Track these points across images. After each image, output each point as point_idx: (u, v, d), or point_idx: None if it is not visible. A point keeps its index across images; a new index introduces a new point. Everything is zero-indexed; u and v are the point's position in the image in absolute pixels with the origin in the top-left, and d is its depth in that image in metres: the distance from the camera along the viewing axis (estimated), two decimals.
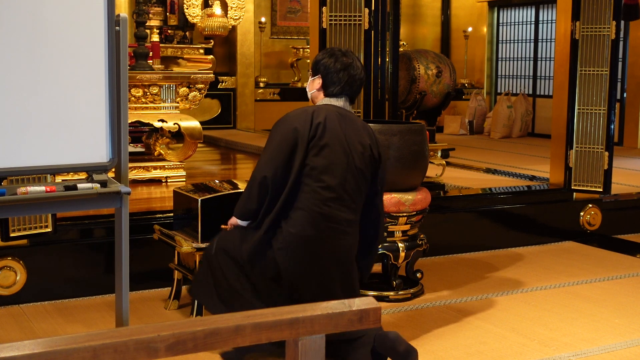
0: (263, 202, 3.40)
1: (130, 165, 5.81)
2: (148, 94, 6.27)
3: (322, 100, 3.63)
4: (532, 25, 12.42)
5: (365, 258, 3.69)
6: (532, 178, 7.23)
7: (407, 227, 4.57)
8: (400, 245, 4.54)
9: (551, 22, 11.84)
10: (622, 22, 9.12)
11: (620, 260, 5.68)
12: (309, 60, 6.23)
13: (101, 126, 3.03)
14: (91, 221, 4.82)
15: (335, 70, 3.59)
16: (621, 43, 10.28)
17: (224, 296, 3.49)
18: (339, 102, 3.61)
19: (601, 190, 6.40)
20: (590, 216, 6.37)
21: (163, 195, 6.00)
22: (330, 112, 3.52)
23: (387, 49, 5.82)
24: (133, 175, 6.24)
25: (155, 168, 6.48)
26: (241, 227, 3.53)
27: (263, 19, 11.48)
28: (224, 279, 3.48)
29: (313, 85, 3.67)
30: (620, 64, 10.13)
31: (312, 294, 3.38)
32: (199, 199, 4.17)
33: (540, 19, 12.28)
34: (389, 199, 4.44)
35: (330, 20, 5.31)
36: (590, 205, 6.38)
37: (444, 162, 7.01)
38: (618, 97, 10.39)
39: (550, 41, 11.87)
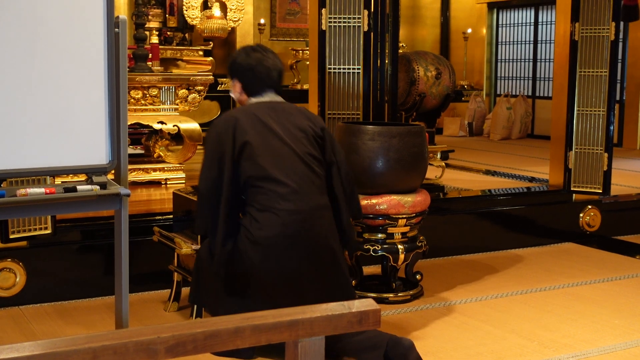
0: (211, 215, 3.43)
1: (130, 167, 5.79)
2: (147, 95, 6.27)
3: (248, 101, 3.65)
4: (532, 27, 12.43)
5: (343, 229, 3.68)
6: (532, 179, 7.23)
7: (406, 229, 4.57)
8: (400, 247, 4.54)
9: (550, 24, 11.85)
10: (622, 23, 9.12)
11: (620, 261, 5.68)
12: (308, 62, 6.23)
13: (101, 128, 3.03)
14: (91, 223, 4.82)
15: (249, 67, 3.60)
16: (620, 44, 10.29)
17: (220, 293, 3.50)
18: (265, 98, 3.62)
19: (601, 191, 6.41)
20: (590, 217, 6.37)
21: (163, 197, 6.00)
22: (258, 108, 3.53)
23: (387, 51, 5.82)
24: (132, 177, 6.24)
25: (154, 170, 6.48)
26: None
27: (262, 21, 11.48)
28: (216, 278, 3.49)
29: (235, 89, 3.69)
30: (619, 65, 10.14)
31: (300, 289, 3.42)
32: None
33: (540, 20, 12.29)
34: (389, 200, 4.44)
35: (330, 22, 5.32)
36: (589, 207, 6.38)
37: (444, 163, 7.02)
38: (617, 98, 10.40)
39: (550, 42, 11.88)
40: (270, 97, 3.63)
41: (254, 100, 3.63)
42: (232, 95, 3.73)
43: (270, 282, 3.40)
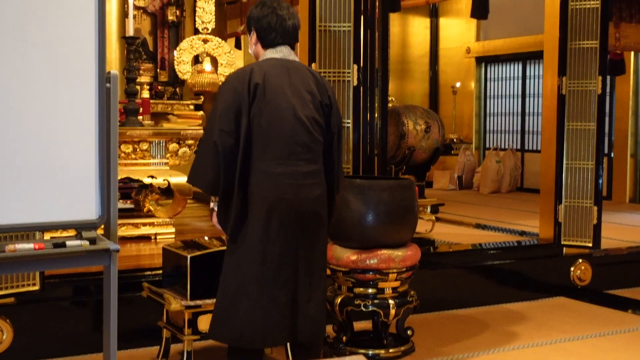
0: (219, 169, 3.40)
1: (120, 221, 5.78)
2: (138, 150, 6.27)
3: (263, 55, 3.64)
4: (520, 81, 12.57)
5: (333, 198, 3.69)
6: (522, 233, 7.23)
7: (397, 283, 4.55)
8: (391, 302, 4.51)
9: (538, 77, 11.98)
10: (608, 77, 9.24)
11: (612, 315, 5.66)
12: None
13: (91, 183, 3.02)
14: (79, 278, 4.77)
15: (263, 15, 3.61)
16: (608, 98, 10.40)
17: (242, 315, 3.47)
18: (279, 53, 3.61)
19: (591, 245, 6.41)
20: (581, 271, 6.36)
21: (152, 252, 5.96)
22: (271, 67, 3.53)
23: (376, 105, 5.86)
24: (122, 232, 6.21)
25: (144, 225, 6.45)
26: (227, 260, 3.53)
27: None
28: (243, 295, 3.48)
29: (251, 42, 3.70)
30: (607, 118, 10.23)
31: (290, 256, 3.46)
32: (188, 256, 4.14)
33: (527, 74, 12.43)
34: (379, 255, 4.42)
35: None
36: (580, 260, 6.38)
37: (434, 217, 7.02)
38: (606, 151, 10.49)
39: (538, 96, 12.00)
40: (284, 53, 3.62)
41: (268, 54, 3.62)
42: (250, 50, 3.74)
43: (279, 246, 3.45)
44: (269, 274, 3.44)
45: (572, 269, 6.34)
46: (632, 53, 10.55)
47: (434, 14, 13.64)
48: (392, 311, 4.51)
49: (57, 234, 5.22)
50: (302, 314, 3.49)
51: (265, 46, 3.64)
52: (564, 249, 6.49)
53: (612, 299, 6.23)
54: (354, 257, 4.40)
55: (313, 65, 5.34)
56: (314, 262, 3.55)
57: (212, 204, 3.56)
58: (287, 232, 3.46)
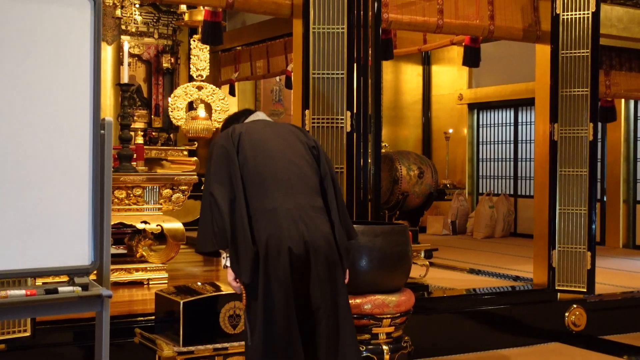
0: (222, 221, 3.39)
1: (112, 267, 5.76)
2: (131, 195, 6.27)
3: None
4: (512, 127, 12.65)
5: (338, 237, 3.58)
6: (516, 278, 7.22)
7: (391, 329, 4.52)
8: (385, 347, 4.48)
9: (530, 124, 12.06)
10: (600, 124, 9.31)
11: None
12: None
13: (84, 229, 3.02)
14: (71, 324, 4.74)
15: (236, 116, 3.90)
16: (599, 144, 10.48)
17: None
18: (258, 117, 3.80)
19: (585, 290, 6.40)
20: (575, 316, 6.34)
21: (145, 297, 5.93)
22: (253, 122, 3.71)
23: (369, 151, 5.89)
24: (115, 277, 6.19)
25: (137, 270, 6.42)
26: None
27: None
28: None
29: None
30: (599, 164, 10.29)
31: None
32: (181, 302, 4.12)
33: (520, 120, 12.52)
34: (373, 300, 4.40)
35: (313, 122, 5.39)
36: (575, 306, 6.36)
37: (428, 262, 7.01)
38: (598, 197, 10.53)
39: (530, 142, 12.06)
40: (261, 116, 3.80)
41: (249, 120, 3.78)
42: None
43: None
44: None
45: (566, 314, 6.32)
46: (623, 100, 10.64)
47: (426, 62, 13.77)
48: (387, 357, 4.47)
49: (50, 280, 5.20)
50: None
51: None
52: (558, 294, 6.48)
53: (607, 344, 6.20)
54: None
55: (307, 112, 5.38)
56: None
57: (223, 261, 3.51)
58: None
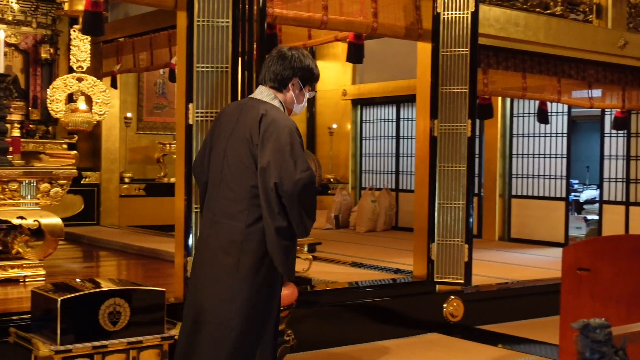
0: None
1: None
2: (7, 190, 6.06)
3: None
4: (394, 123, 12.89)
5: (273, 251, 3.54)
6: (397, 271, 7.36)
7: None
8: None
9: (411, 120, 12.32)
10: (478, 121, 9.59)
11: (483, 351, 5.83)
12: (175, 156, 6.21)
13: None
14: None
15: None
16: (477, 140, 10.81)
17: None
18: (254, 92, 3.76)
19: (462, 282, 6.59)
20: (453, 307, 6.52)
21: (21, 295, 5.74)
22: (231, 106, 3.79)
23: None
24: None
25: (12, 267, 6.21)
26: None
27: (129, 114, 11.41)
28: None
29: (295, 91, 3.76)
30: (477, 160, 10.61)
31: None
32: (59, 299, 4.01)
33: (401, 117, 12.77)
34: None
35: (197, 116, 5.34)
36: (452, 297, 6.54)
37: (311, 256, 7.06)
38: (476, 191, 10.86)
39: (411, 138, 12.33)
40: (256, 92, 3.72)
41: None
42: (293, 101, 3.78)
43: None
44: None
45: (444, 305, 6.49)
46: (500, 98, 11.01)
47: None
48: None
49: None
50: None
51: None
52: (437, 286, 6.64)
53: (483, 334, 6.41)
54: None
55: (190, 105, 5.31)
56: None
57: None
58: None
